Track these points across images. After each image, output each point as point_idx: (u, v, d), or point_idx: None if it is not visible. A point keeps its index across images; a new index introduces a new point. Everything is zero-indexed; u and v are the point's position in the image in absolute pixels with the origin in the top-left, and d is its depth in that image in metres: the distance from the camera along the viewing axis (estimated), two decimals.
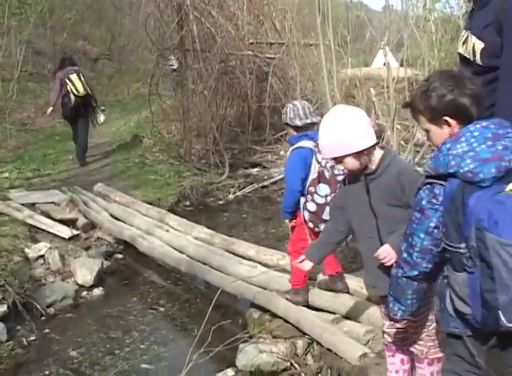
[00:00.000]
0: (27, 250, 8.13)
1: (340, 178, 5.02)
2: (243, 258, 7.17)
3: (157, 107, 15.38)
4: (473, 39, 4.00)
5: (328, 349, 5.02)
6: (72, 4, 25.87)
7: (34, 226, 8.97)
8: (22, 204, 9.67)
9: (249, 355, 5.32)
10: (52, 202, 10.01)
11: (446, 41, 13.33)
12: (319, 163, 5.27)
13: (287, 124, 5.53)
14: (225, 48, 14.00)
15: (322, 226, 5.15)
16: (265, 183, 12.38)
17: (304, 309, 5.59)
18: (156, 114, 15.40)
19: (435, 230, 2.85)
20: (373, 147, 3.56)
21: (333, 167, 5.19)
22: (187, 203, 11.45)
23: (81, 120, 13.47)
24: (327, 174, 5.22)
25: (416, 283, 3.04)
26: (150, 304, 7.39)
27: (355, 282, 5.73)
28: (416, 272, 2.98)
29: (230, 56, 14.55)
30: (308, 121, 5.39)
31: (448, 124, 2.87)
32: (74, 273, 7.83)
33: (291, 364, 5.26)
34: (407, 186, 3.46)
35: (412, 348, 3.86)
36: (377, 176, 3.60)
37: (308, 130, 5.44)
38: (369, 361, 4.63)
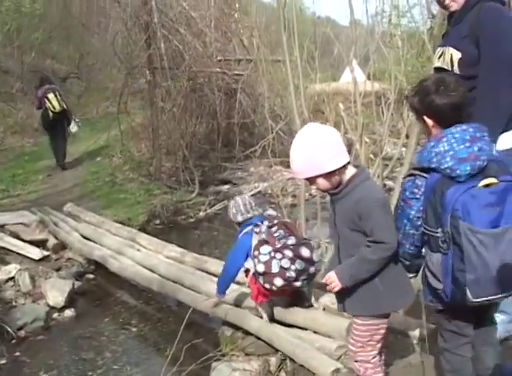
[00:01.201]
0: None
1: (274, 229, 5.47)
2: (215, 276, 7.14)
3: (127, 126, 15.36)
4: (450, 50, 4.25)
5: (301, 365, 5.03)
6: (39, 23, 25.70)
7: (3, 248, 8.88)
8: None
9: (222, 373, 5.28)
10: (22, 223, 9.89)
11: (412, 55, 13.49)
12: (257, 233, 5.49)
13: None
14: (193, 66, 14.05)
15: (277, 281, 5.28)
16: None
17: (277, 325, 5.59)
18: (126, 133, 15.39)
19: (415, 218, 3.35)
20: (344, 167, 3.52)
21: (269, 227, 5.52)
22: (158, 221, 11.42)
23: (59, 132, 15.24)
24: (264, 236, 5.43)
25: (407, 262, 3.57)
26: (122, 324, 7.33)
27: (326, 297, 5.75)
28: (401, 251, 3.51)
29: (198, 74, 14.61)
30: (249, 216, 5.70)
31: (426, 123, 3.39)
32: (45, 295, 7.75)
33: None
34: (363, 215, 3.45)
35: (352, 365, 3.91)
36: (342, 197, 3.57)
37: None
38: None
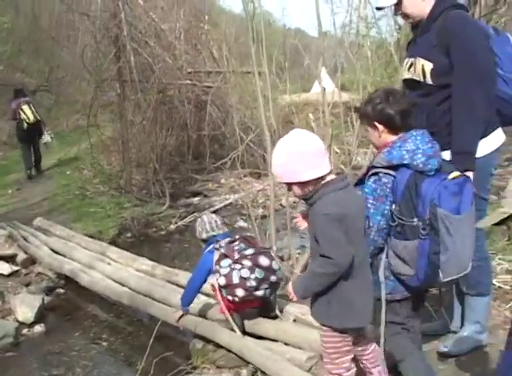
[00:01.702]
0: None
1: (235, 244, 5.68)
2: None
3: (97, 139, 15.30)
4: (421, 61, 4.28)
5: None
6: (8, 37, 25.52)
7: None
8: None
9: None
10: None
11: (380, 65, 13.59)
12: (217, 249, 5.70)
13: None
14: (163, 78, 14.02)
15: (238, 292, 5.41)
16: (206, 212, 12.37)
17: (247, 337, 5.58)
18: (96, 146, 15.32)
19: (388, 212, 3.70)
20: (322, 178, 3.46)
21: (230, 242, 5.76)
22: (128, 234, 11.35)
23: (34, 142, 16.19)
24: (224, 250, 5.62)
25: (370, 259, 3.79)
26: (93, 338, 7.28)
27: (297, 309, 5.75)
28: (372, 248, 3.77)
29: (168, 86, 14.58)
30: (214, 234, 5.94)
31: (377, 128, 3.81)
32: (14, 311, 7.68)
33: None
34: (316, 229, 3.45)
35: None
36: (312, 203, 3.52)
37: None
38: None
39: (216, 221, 6.03)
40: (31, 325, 7.53)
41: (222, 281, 5.44)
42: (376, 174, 3.71)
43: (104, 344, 7.14)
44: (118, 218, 11.81)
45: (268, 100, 8.48)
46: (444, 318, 5.18)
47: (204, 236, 5.97)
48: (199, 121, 15.96)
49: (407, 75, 4.47)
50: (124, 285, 7.67)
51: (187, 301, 5.98)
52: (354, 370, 3.80)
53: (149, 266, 8.15)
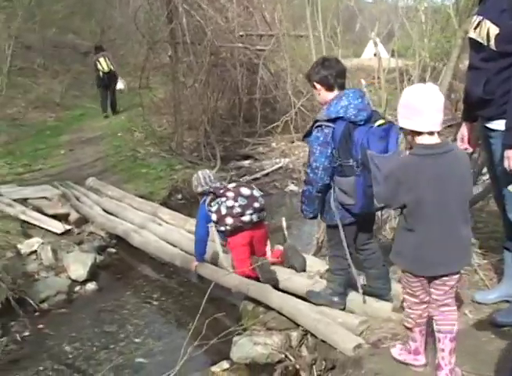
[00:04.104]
0: (19, 246, 8.10)
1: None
2: None
3: (149, 101, 15.33)
4: (487, 24, 4.06)
5: (322, 341, 5.00)
6: None
7: (26, 222, 8.93)
8: (13, 200, 9.62)
9: (243, 347, 5.31)
10: (44, 197, 9.95)
11: (436, 31, 13.30)
12: (207, 194, 6.54)
13: None
14: (215, 41, 13.96)
15: (227, 220, 6.26)
16: (257, 175, 12.39)
17: (299, 300, 5.57)
18: (148, 108, 15.36)
19: (330, 155, 4.64)
20: (418, 133, 3.60)
21: (215, 187, 6.58)
22: (179, 196, 11.42)
23: (110, 88, 18.82)
24: (212, 190, 6.53)
25: (320, 194, 4.84)
26: (144, 298, 7.37)
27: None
28: (320, 185, 4.76)
29: (220, 49, 14.52)
30: (207, 188, 6.64)
31: (316, 88, 4.79)
32: (67, 268, 7.79)
33: (286, 356, 5.22)
34: None
35: None
36: None
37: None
38: (364, 352, 4.60)
39: (209, 176, 6.78)
40: (84, 283, 7.65)
41: (214, 217, 6.30)
42: (319, 126, 4.65)
43: (155, 303, 7.23)
44: (169, 180, 11.87)
45: None
46: (496, 287, 5.09)
47: (200, 189, 6.72)
48: (250, 85, 15.89)
49: (472, 34, 4.25)
50: (176, 246, 7.72)
51: (199, 253, 6.73)
52: (421, 313, 3.90)
53: None
